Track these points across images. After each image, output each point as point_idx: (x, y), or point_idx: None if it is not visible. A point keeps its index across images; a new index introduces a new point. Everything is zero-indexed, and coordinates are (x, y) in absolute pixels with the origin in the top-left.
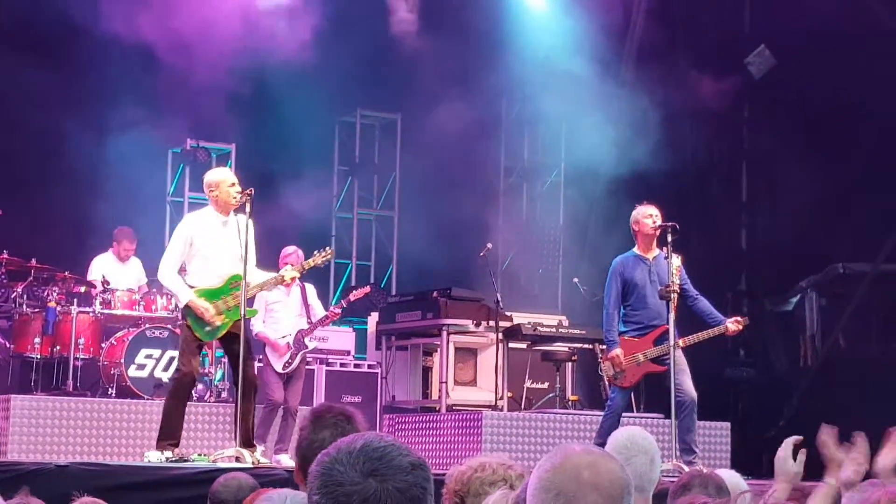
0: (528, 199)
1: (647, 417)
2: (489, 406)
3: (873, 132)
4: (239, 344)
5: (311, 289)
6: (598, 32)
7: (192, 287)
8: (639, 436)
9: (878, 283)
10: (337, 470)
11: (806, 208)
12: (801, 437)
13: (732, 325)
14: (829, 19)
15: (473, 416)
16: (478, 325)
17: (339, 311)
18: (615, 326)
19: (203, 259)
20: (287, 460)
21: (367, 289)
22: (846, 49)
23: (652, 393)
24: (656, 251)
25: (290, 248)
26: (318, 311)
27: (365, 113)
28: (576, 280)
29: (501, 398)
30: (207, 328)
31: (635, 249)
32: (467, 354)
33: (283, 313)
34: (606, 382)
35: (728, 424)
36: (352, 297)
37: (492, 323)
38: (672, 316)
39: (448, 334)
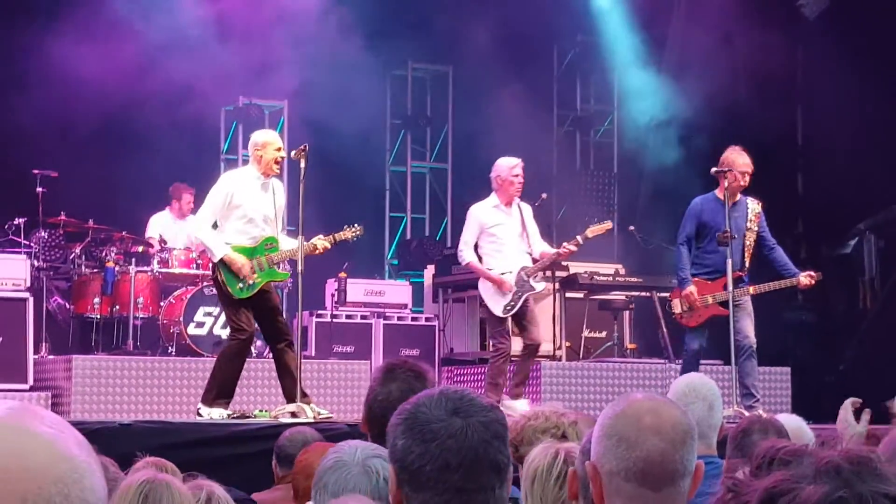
0: (582, 149)
1: (706, 364)
2: (547, 356)
3: None
4: (272, 300)
5: (527, 209)
6: None
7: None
8: (698, 382)
9: None
10: (421, 412)
11: (862, 150)
12: (859, 400)
13: (805, 278)
14: None
15: (532, 367)
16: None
17: (573, 247)
18: (686, 264)
19: (239, 218)
20: (522, 406)
21: (609, 224)
22: None
23: (711, 339)
24: (739, 197)
25: (514, 160)
26: (535, 236)
27: (416, 66)
28: (631, 228)
29: (560, 348)
30: (240, 284)
31: (717, 192)
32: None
33: (506, 237)
34: (677, 320)
35: (788, 369)
36: (590, 233)
37: (548, 273)
38: (730, 262)
39: None
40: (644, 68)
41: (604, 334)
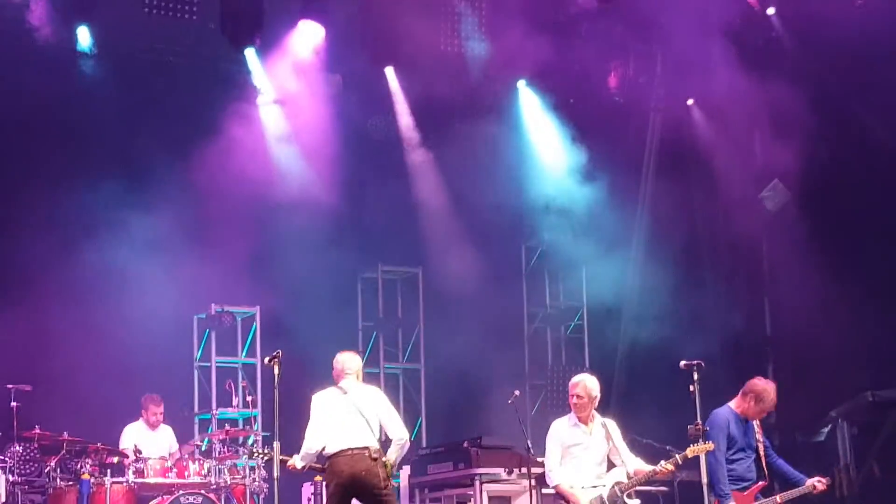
0: (553, 344)
1: None
2: None
3: None
4: None
5: (612, 425)
6: (614, 170)
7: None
8: None
9: None
10: None
11: (831, 338)
12: None
13: (819, 484)
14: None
15: None
16: (510, 472)
17: (671, 466)
18: (725, 479)
19: None
20: None
21: (711, 445)
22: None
23: None
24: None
25: (575, 379)
26: (625, 452)
27: (386, 268)
28: (603, 422)
29: None
30: None
31: (734, 407)
32: (501, 503)
33: (585, 458)
34: None
35: None
36: (689, 452)
37: (524, 470)
38: (703, 460)
39: (481, 483)
40: (612, 263)
41: None
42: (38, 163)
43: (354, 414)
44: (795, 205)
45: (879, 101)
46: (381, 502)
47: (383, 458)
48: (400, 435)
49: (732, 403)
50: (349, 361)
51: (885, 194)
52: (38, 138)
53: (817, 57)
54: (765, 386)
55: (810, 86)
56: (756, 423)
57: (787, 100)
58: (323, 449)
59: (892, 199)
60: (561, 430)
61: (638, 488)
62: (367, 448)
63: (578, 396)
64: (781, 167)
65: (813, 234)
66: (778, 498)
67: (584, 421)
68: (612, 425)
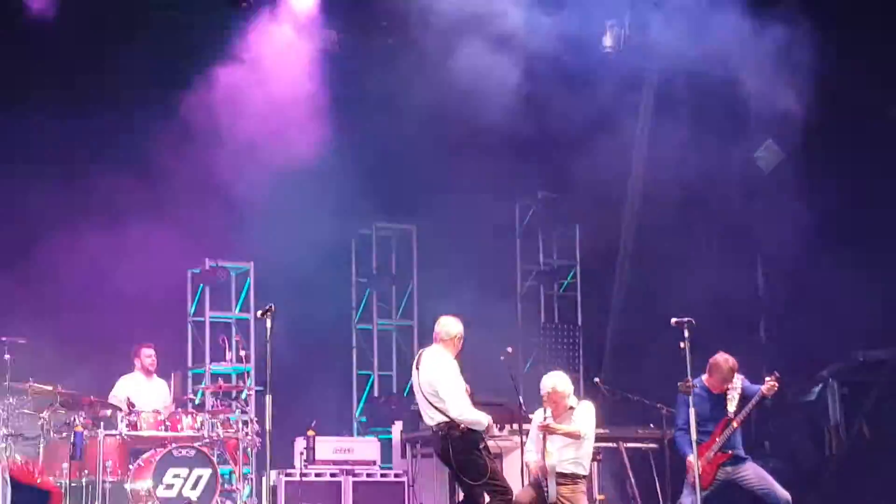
0: (546, 302)
1: None
2: None
3: (889, 219)
4: None
5: (581, 409)
6: (608, 127)
7: None
8: None
9: None
10: None
11: (823, 299)
12: None
13: (767, 388)
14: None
15: None
16: (501, 428)
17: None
18: (687, 447)
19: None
20: None
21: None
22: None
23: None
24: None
25: (546, 384)
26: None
27: (381, 225)
28: (596, 380)
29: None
30: None
31: (704, 380)
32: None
33: (553, 439)
34: None
35: None
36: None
37: (515, 426)
38: (692, 411)
39: None
40: (606, 223)
41: None
42: (26, 115)
43: (420, 394)
44: (789, 165)
45: (878, 61)
46: (460, 468)
47: (462, 427)
48: (455, 415)
49: (703, 376)
50: (439, 325)
51: (879, 155)
52: (31, 93)
53: (816, 13)
54: (716, 358)
55: (808, 44)
56: (736, 388)
57: (784, 59)
58: None
59: (886, 161)
60: (537, 417)
61: (629, 445)
62: (437, 427)
63: (556, 402)
64: (775, 127)
65: (806, 195)
66: (735, 422)
67: (558, 413)
68: (581, 407)
